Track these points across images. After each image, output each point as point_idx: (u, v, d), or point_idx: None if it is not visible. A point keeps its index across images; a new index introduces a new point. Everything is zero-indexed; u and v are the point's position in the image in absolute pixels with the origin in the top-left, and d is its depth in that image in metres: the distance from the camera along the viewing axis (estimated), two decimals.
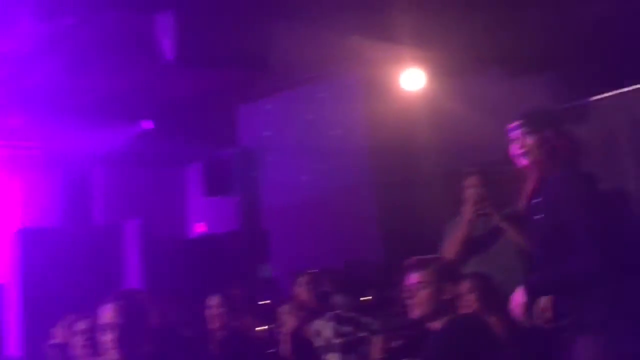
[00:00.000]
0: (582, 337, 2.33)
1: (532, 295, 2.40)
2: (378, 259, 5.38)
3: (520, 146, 2.50)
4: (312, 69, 6.10)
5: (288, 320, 3.80)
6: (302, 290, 4.02)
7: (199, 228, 7.40)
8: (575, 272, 2.34)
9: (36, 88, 5.21)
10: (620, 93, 4.05)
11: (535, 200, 2.48)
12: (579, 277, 2.32)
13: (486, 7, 4.05)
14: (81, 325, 3.18)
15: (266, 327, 4.46)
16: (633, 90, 4.02)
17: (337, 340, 3.48)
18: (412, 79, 5.34)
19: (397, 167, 5.76)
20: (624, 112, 4.05)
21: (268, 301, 5.39)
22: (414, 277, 2.51)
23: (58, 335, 4.04)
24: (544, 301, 2.57)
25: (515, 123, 2.53)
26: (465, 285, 3.15)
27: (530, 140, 2.48)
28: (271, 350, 3.85)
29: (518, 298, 2.40)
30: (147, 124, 6.39)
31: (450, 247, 3.48)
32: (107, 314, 2.28)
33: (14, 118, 5.76)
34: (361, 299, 4.16)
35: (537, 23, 4.20)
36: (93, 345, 2.71)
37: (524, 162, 2.51)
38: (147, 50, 4.08)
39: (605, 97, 4.07)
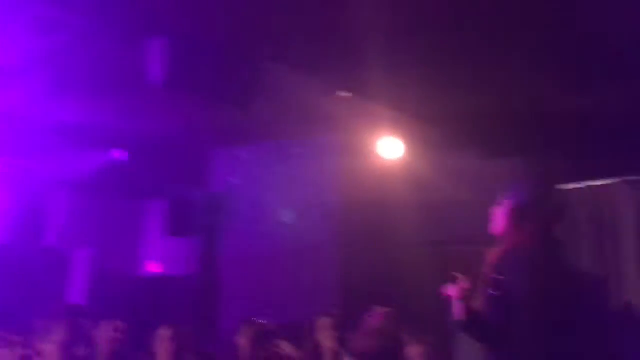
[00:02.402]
0: None
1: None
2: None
3: (494, 217, 2.52)
4: (292, 125, 6.16)
5: None
6: (245, 341, 3.86)
7: (153, 267, 7.18)
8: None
9: (10, 103, 5.12)
10: (587, 186, 4.17)
11: (494, 275, 2.45)
12: None
13: (468, 88, 4.18)
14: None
15: None
16: (599, 185, 4.15)
17: None
18: (389, 147, 5.42)
19: (365, 232, 5.75)
20: (588, 205, 4.16)
21: (212, 351, 5.21)
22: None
23: None
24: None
25: (498, 196, 2.56)
26: (415, 350, 3.09)
27: (501, 213, 2.50)
28: None
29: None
30: (119, 154, 6.29)
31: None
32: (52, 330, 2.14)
33: None
34: None
35: (516, 111, 4.35)
36: None
37: (494, 230, 2.52)
38: (131, 77, 4.06)
39: (573, 189, 4.17)
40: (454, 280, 2.44)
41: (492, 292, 2.43)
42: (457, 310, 2.41)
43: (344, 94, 4.77)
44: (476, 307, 2.43)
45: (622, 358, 3.81)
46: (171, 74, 3.67)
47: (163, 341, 3.47)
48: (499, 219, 2.51)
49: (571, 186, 4.12)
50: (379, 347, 2.33)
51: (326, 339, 3.38)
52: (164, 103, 4.99)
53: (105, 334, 3.96)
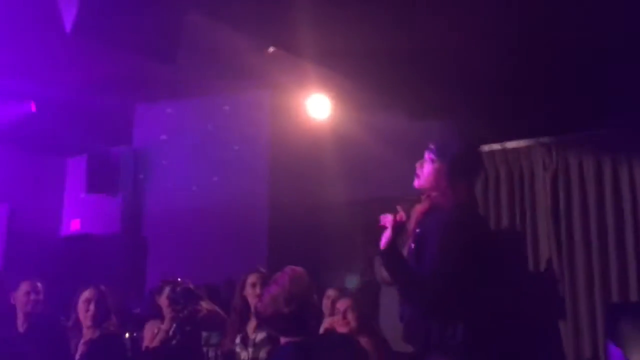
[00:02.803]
0: None
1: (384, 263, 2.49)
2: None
3: (420, 172, 2.58)
4: (219, 80, 6.02)
5: (147, 333, 3.61)
6: (163, 300, 3.82)
7: (75, 226, 6.93)
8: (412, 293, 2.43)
9: None
10: (503, 147, 4.32)
11: (417, 230, 2.53)
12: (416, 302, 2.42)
13: (399, 48, 4.19)
14: None
15: (128, 334, 4.25)
16: (515, 146, 4.30)
17: None
18: (318, 106, 5.40)
19: (294, 190, 5.76)
20: (505, 165, 4.31)
21: (137, 310, 5.15)
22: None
23: None
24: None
25: (426, 152, 2.61)
26: (344, 303, 3.16)
27: (429, 169, 2.56)
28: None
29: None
30: (34, 108, 5.95)
31: None
32: None
33: None
34: None
35: (442, 72, 4.41)
36: None
37: (418, 185, 2.58)
38: (47, 21, 3.80)
39: (491, 150, 4.30)
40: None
41: (413, 244, 2.52)
42: (384, 240, 2.48)
43: (272, 49, 4.68)
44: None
45: (535, 314, 4.05)
46: (83, 21, 3.41)
47: (85, 302, 3.37)
48: (423, 175, 2.57)
49: (490, 147, 4.25)
50: (281, 310, 2.24)
51: (253, 297, 3.37)
52: (79, 53, 4.72)
53: (23, 295, 3.80)
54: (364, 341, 2.96)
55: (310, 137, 5.55)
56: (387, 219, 2.50)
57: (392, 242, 2.49)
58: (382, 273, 3.60)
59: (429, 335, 2.43)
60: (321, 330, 3.26)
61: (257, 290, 3.31)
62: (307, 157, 5.66)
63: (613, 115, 3.99)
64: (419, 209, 2.59)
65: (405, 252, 2.60)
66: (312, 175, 5.66)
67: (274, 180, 5.97)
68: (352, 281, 3.53)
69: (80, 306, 3.40)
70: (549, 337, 4.03)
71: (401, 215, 2.49)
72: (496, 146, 4.34)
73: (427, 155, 2.61)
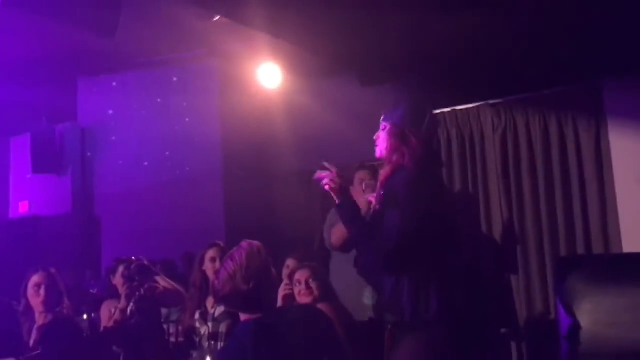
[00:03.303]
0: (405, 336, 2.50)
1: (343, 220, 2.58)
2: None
3: (378, 142, 2.63)
4: (165, 50, 5.85)
5: (104, 313, 3.55)
6: (118, 279, 3.76)
7: (23, 208, 6.72)
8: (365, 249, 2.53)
9: None
10: (453, 110, 4.37)
11: (382, 192, 2.59)
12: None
13: (347, 15, 4.15)
14: None
15: (85, 316, 4.17)
16: (465, 108, 4.36)
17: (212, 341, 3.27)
18: (269, 75, 5.32)
19: (248, 161, 5.70)
20: (456, 127, 4.38)
21: (95, 290, 5.06)
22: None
23: None
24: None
25: (381, 122, 2.66)
26: (304, 274, 3.17)
27: (384, 136, 2.63)
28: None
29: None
30: None
31: (338, 235, 3.51)
32: None
33: None
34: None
35: (392, 35, 4.40)
36: None
37: (379, 155, 2.62)
38: None
39: (442, 112, 4.35)
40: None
41: (378, 206, 2.57)
42: (333, 196, 2.60)
43: (217, 18, 4.56)
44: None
45: (489, 270, 4.18)
46: None
47: (35, 287, 3.25)
48: (381, 144, 2.64)
49: (441, 110, 4.29)
50: (239, 288, 2.17)
51: (212, 272, 3.35)
52: (13, 27, 4.50)
53: None
54: (326, 308, 2.98)
55: (262, 107, 5.48)
56: (321, 175, 2.61)
57: (346, 191, 2.59)
58: (331, 238, 3.65)
59: (403, 311, 2.49)
60: (279, 299, 3.27)
61: (217, 265, 3.29)
62: (260, 127, 5.60)
63: (557, 77, 4.08)
64: (382, 173, 2.66)
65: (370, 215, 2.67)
66: (265, 146, 5.62)
67: (227, 152, 5.90)
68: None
69: (30, 291, 3.26)
70: (502, 293, 4.17)
71: (332, 170, 2.59)
72: (447, 109, 4.39)
73: (382, 124, 2.67)
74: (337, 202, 2.60)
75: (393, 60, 4.50)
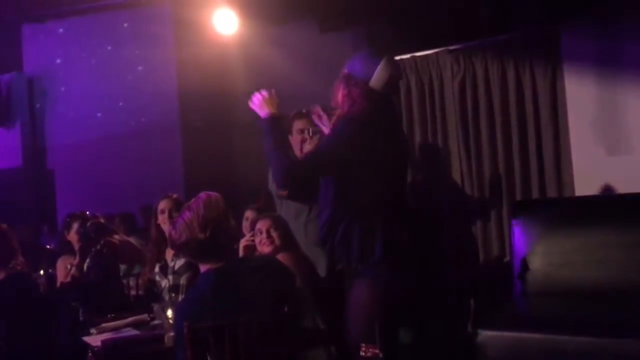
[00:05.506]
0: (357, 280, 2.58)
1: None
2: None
3: (335, 88, 2.66)
4: None
5: (60, 269, 3.49)
6: (72, 236, 3.68)
7: None
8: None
9: None
10: (412, 56, 4.34)
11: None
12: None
13: None
14: None
15: (42, 271, 4.10)
16: (424, 55, 4.34)
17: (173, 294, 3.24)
18: (225, 21, 5.14)
19: (204, 111, 5.57)
20: (415, 74, 4.36)
21: (50, 245, 4.97)
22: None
23: None
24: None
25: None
26: (265, 223, 3.15)
27: (337, 85, 2.66)
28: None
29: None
30: None
31: None
32: None
33: None
34: None
35: None
36: None
37: (334, 104, 2.67)
38: None
39: (405, 59, 4.32)
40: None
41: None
42: (258, 112, 2.70)
43: None
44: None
45: (448, 214, 4.25)
46: None
47: None
48: (335, 89, 2.65)
49: (400, 57, 4.24)
50: (196, 236, 2.17)
51: (164, 224, 3.30)
52: None
53: None
54: (287, 257, 2.99)
55: (218, 54, 5.32)
56: (256, 96, 2.70)
57: (273, 110, 2.67)
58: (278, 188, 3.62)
59: (349, 254, 2.55)
60: (240, 250, 3.26)
61: (166, 216, 3.25)
62: (216, 75, 5.45)
63: (516, 22, 4.06)
64: (333, 120, 2.69)
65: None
66: (222, 94, 5.48)
67: (183, 101, 5.74)
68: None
69: None
70: (461, 237, 4.26)
71: (263, 92, 2.69)
72: (406, 56, 4.35)
73: (340, 72, 2.67)
74: (262, 115, 2.66)
75: (352, 5, 4.40)
